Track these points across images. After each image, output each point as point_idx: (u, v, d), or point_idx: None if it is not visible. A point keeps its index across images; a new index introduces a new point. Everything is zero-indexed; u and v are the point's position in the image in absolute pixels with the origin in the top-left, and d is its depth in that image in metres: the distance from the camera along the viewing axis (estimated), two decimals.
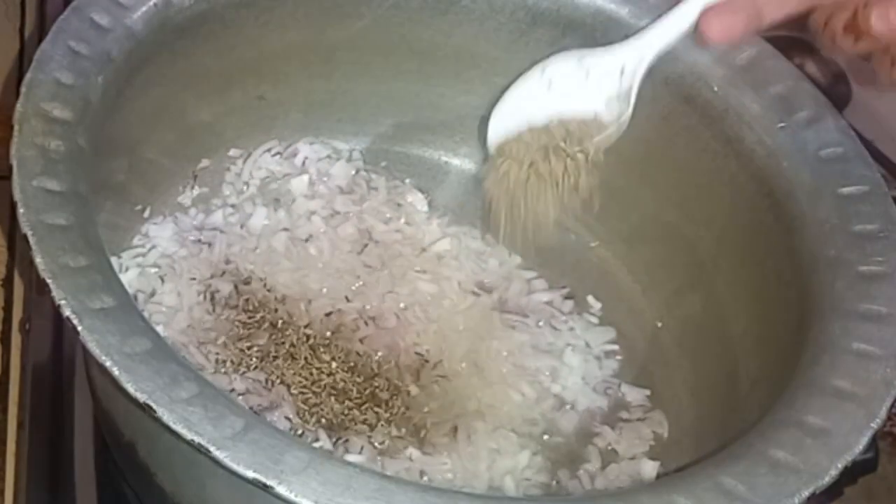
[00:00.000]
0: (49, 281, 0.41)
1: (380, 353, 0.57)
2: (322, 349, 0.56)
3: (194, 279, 0.58)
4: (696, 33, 0.52)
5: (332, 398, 0.55)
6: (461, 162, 0.68)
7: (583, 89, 0.55)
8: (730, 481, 0.40)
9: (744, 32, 0.51)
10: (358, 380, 0.56)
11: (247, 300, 0.58)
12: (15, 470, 0.55)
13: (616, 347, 0.61)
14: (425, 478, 0.53)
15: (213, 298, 0.58)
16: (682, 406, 0.59)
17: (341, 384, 0.55)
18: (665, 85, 0.59)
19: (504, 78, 0.60)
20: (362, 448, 0.53)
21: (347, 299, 0.59)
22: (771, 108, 0.55)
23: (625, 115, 0.55)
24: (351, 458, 0.51)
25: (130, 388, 0.39)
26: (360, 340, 0.58)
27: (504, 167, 0.57)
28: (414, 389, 0.56)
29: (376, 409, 0.55)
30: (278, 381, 0.55)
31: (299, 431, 0.53)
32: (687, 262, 0.60)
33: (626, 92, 0.54)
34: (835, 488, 0.42)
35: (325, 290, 0.59)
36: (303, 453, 0.39)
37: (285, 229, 0.62)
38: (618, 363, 0.61)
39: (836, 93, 0.77)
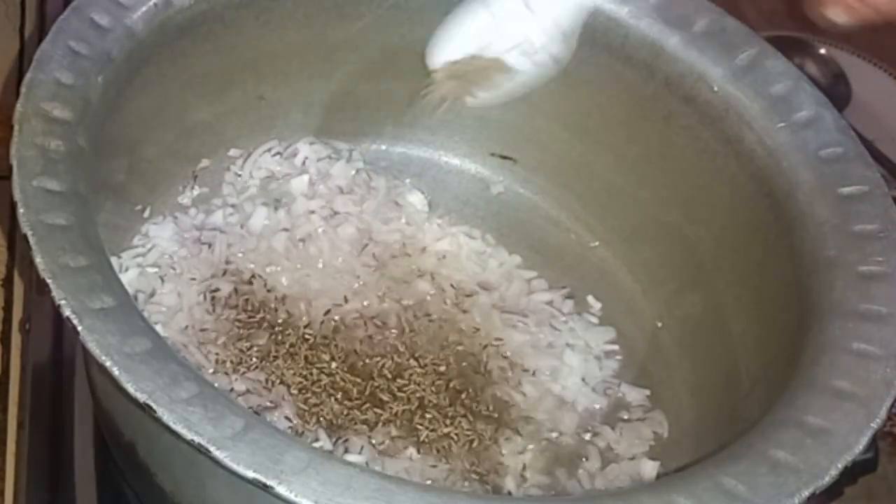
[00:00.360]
0: (49, 281, 0.41)
1: (379, 353, 0.57)
2: (322, 349, 0.56)
3: (194, 279, 0.58)
4: None
5: (332, 398, 0.55)
6: (461, 162, 0.68)
7: (526, 22, 0.55)
8: (730, 481, 0.40)
9: None
10: (358, 380, 0.56)
11: (247, 300, 0.58)
12: (15, 470, 0.55)
13: (616, 347, 0.62)
14: (425, 478, 0.53)
15: (213, 298, 0.58)
16: (682, 406, 0.59)
17: (341, 384, 0.55)
18: (665, 85, 0.59)
19: None
20: (362, 448, 0.53)
21: (347, 299, 0.59)
22: (771, 108, 0.55)
23: (565, 55, 0.56)
24: (351, 458, 0.51)
25: (130, 388, 0.39)
26: (360, 340, 0.58)
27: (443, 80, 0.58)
28: (414, 389, 0.56)
29: (376, 409, 0.55)
30: (278, 381, 0.55)
31: (299, 431, 0.53)
32: (687, 262, 0.60)
33: (567, 32, 0.55)
34: (835, 488, 0.42)
35: (325, 290, 0.59)
36: (303, 453, 0.39)
37: (285, 229, 0.62)
38: (618, 363, 0.61)
39: (836, 93, 0.77)
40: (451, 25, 0.57)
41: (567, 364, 0.59)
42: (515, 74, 0.57)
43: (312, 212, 0.63)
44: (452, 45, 0.57)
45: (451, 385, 0.57)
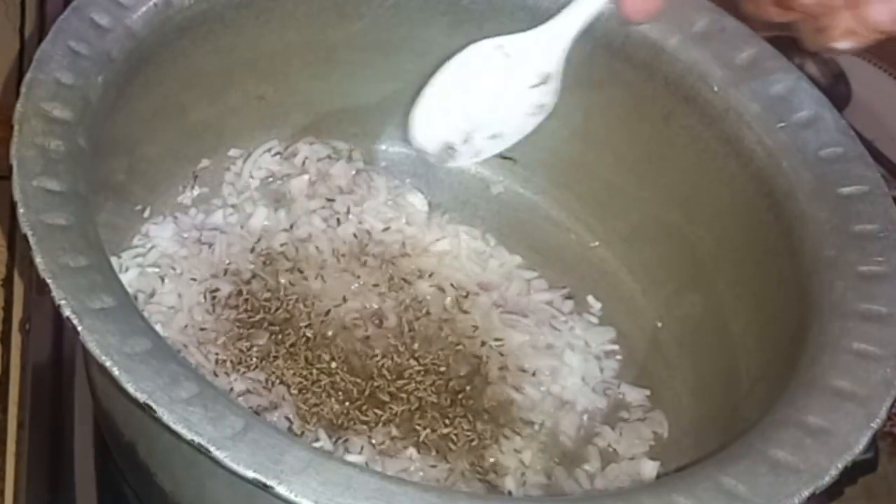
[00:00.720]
0: (49, 281, 0.41)
1: (380, 353, 0.57)
2: (322, 349, 0.57)
3: (194, 279, 0.58)
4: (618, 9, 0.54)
5: (332, 398, 0.55)
6: None
7: (506, 74, 0.56)
8: (730, 481, 0.40)
9: (660, 6, 0.54)
10: (358, 380, 0.56)
11: (247, 300, 0.58)
12: (15, 470, 0.55)
13: (616, 347, 0.62)
14: (425, 478, 0.53)
15: (213, 298, 0.58)
16: (682, 406, 0.59)
17: (341, 384, 0.55)
18: (665, 85, 0.59)
19: None
20: (362, 448, 0.53)
21: (347, 299, 0.59)
22: (771, 108, 0.55)
23: (551, 99, 0.56)
24: (351, 458, 0.51)
25: (130, 388, 0.39)
26: (360, 340, 0.58)
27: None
28: (414, 389, 0.56)
29: (376, 409, 0.55)
30: (278, 381, 0.55)
31: (299, 431, 0.53)
32: (687, 262, 0.60)
33: (549, 74, 0.55)
34: (835, 488, 0.42)
35: (325, 289, 0.59)
36: (303, 453, 0.39)
37: (285, 229, 0.62)
38: (618, 363, 0.61)
39: (836, 93, 0.77)
40: (433, 99, 0.57)
41: (567, 364, 0.59)
42: (504, 138, 0.58)
43: (312, 212, 0.63)
44: (438, 128, 0.58)
45: (451, 385, 0.57)
